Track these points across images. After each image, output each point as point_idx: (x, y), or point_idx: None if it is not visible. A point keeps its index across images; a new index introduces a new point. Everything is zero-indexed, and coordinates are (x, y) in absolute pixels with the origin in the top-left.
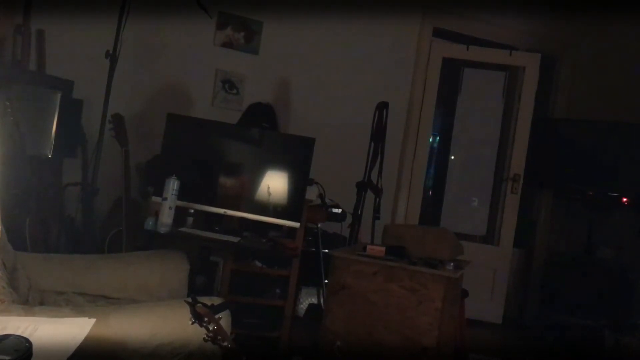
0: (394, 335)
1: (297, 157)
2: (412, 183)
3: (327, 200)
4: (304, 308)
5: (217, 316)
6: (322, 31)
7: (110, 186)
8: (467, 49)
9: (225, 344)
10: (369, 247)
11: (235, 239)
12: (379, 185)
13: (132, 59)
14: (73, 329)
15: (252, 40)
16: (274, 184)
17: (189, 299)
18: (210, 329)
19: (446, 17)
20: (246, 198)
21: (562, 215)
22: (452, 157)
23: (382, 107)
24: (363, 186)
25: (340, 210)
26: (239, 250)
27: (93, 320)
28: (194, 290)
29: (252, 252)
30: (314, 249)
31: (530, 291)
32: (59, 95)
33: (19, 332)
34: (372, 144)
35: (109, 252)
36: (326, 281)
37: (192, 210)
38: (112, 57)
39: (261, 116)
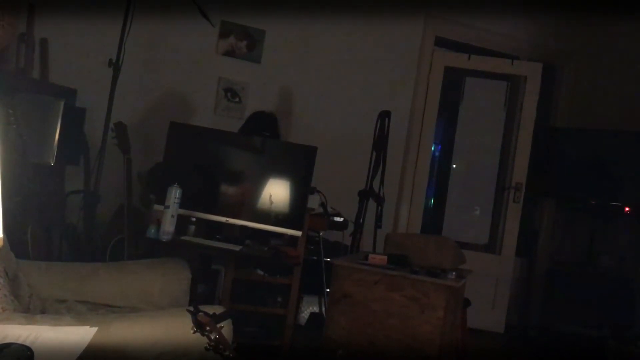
0: (395, 344)
1: (299, 165)
2: (414, 192)
3: (329, 209)
4: (306, 317)
5: (218, 325)
6: (324, 40)
7: (113, 194)
8: (469, 58)
9: (227, 353)
10: (370, 255)
11: (236, 247)
12: (381, 194)
13: (135, 68)
14: (74, 337)
15: (255, 49)
16: (276, 192)
17: (191, 308)
18: (212, 338)
19: (448, 26)
20: (248, 206)
21: (564, 224)
22: (454, 166)
23: (384, 116)
24: (365, 195)
25: (342, 219)
26: (240, 259)
27: (95, 329)
28: (196, 299)
29: (253, 261)
30: (315, 258)
31: (533, 300)
32: (62, 104)
33: (20, 341)
34: (374, 153)
35: (110, 260)
36: (328, 290)
37: (194, 219)
38: (115, 66)
39: (263, 125)
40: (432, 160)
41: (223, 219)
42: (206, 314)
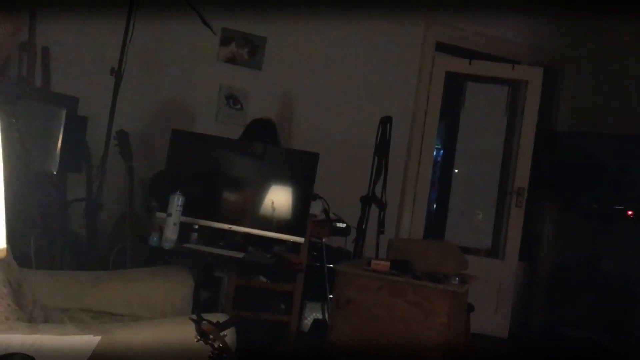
0: (399, 350)
1: (301, 172)
2: (416, 197)
3: (331, 215)
4: (309, 323)
5: (222, 333)
6: (325, 46)
7: (115, 202)
8: (470, 63)
9: None
10: (373, 261)
11: (239, 255)
12: (383, 200)
13: (137, 76)
14: (78, 346)
15: (256, 56)
16: (278, 199)
17: (194, 317)
18: (216, 346)
19: (449, 32)
20: (250, 213)
21: (567, 229)
22: (456, 171)
23: (386, 121)
24: (367, 200)
25: (344, 225)
26: (243, 266)
27: (98, 338)
28: (199, 306)
29: (256, 268)
30: (318, 264)
31: (536, 305)
32: (64, 112)
33: (23, 350)
34: (376, 159)
35: (113, 268)
36: (331, 296)
37: (196, 226)
38: (117, 74)
39: (262, 132)
40: (434, 166)
41: (226, 226)
42: (210, 322)
